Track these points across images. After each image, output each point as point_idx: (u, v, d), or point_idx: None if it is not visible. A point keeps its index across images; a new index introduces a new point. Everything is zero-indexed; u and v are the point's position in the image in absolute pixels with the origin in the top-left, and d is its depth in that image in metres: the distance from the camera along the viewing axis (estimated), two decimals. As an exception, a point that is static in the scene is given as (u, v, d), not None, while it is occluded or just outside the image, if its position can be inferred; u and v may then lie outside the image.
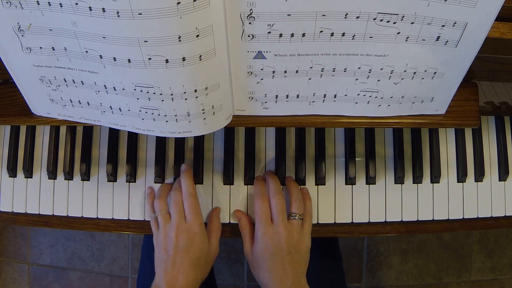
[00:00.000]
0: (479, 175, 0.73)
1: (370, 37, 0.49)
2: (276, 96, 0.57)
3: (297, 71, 0.54)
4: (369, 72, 0.54)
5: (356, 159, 0.72)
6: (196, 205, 0.65)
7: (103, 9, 0.43)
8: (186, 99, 0.52)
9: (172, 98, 0.52)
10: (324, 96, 0.57)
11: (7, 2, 0.47)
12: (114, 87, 0.53)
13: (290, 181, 0.70)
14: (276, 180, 0.68)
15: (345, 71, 0.54)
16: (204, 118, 0.55)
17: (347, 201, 0.72)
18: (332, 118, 0.60)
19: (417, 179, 0.72)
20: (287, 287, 0.62)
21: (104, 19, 0.44)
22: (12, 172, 0.73)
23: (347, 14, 0.46)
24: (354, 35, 0.49)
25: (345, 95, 0.57)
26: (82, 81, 0.54)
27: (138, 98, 0.52)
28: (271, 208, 0.66)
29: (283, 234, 0.63)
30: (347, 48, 0.51)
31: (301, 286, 0.63)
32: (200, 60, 0.48)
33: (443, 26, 0.48)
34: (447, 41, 0.50)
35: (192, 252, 0.62)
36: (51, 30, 0.48)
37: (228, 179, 0.71)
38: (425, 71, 0.54)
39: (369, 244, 1.55)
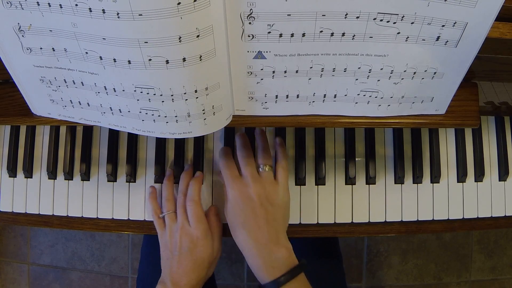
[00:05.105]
0: (479, 175, 0.73)
1: (370, 37, 0.49)
2: (276, 96, 0.57)
3: (297, 71, 0.54)
4: (369, 72, 0.54)
5: (356, 159, 0.72)
6: (199, 211, 0.65)
7: (103, 10, 0.43)
8: (186, 99, 0.52)
9: (173, 99, 0.52)
10: (324, 96, 0.57)
11: (8, 3, 0.47)
12: (114, 88, 0.53)
13: (257, 132, 0.68)
14: (243, 136, 0.66)
15: (345, 71, 0.54)
16: (205, 119, 0.55)
17: (347, 201, 0.72)
18: (332, 118, 0.60)
19: (417, 179, 0.72)
20: (263, 244, 0.59)
21: (104, 20, 0.44)
22: (12, 172, 0.73)
23: (347, 14, 0.46)
24: (354, 35, 0.49)
25: (345, 95, 0.57)
26: (82, 82, 0.54)
27: (138, 99, 0.52)
28: (238, 163, 0.64)
29: (252, 185, 0.61)
30: (347, 48, 0.51)
31: (280, 243, 0.60)
32: (200, 60, 0.48)
33: (443, 26, 0.48)
34: (447, 41, 0.50)
35: (195, 255, 0.63)
36: (51, 31, 0.48)
37: (228, 179, 0.71)
38: (425, 71, 0.54)
39: (369, 244, 1.55)
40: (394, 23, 0.48)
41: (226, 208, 0.64)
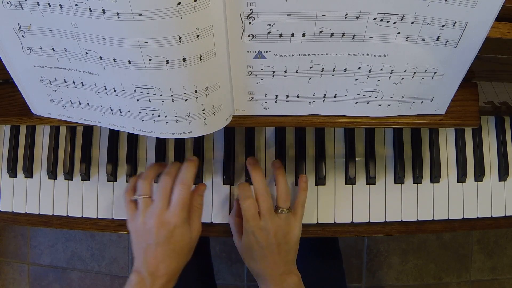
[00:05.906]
0: (479, 175, 0.73)
1: (370, 37, 0.49)
2: (276, 96, 0.57)
3: (297, 71, 0.54)
4: (369, 72, 0.54)
5: (356, 159, 0.72)
6: (186, 198, 0.61)
7: (103, 10, 0.43)
8: (186, 99, 0.52)
9: (173, 99, 0.52)
10: (324, 96, 0.57)
11: (8, 3, 0.47)
12: (114, 89, 0.53)
13: (278, 172, 0.67)
14: (260, 177, 0.65)
15: (345, 71, 0.54)
16: (205, 119, 0.55)
17: (347, 201, 0.72)
18: (332, 118, 0.60)
19: (417, 179, 0.72)
20: (278, 274, 0.63)
21: (104, 21, 0.44)
22: (12, 172, 0.73)
23: (347, 14, 0.46)
24: (354, 35, 0.49)
25: (345, 95, 0.57)
26: (82, 82, 0.54)
27: (138, 100, 0.52)
28: (258, 205, 0.64)
29: (271, 229, 0.63)
30: (347, 48, 0.51)
31: (292, 273, 0.64)
32: (200, 60, 0.48)
33: (443, 26, 0.48)
34: (447, 41, 0.50)
35: (173, 243, 0.60)
36: (51, 31, 0.48)
37: (228, 179, 0.71)
38: (425, 71, 0.54)
39: (369, 244, 1.55)
40: (394, 23, 0.48)
41: (242, 240, 0.65)
